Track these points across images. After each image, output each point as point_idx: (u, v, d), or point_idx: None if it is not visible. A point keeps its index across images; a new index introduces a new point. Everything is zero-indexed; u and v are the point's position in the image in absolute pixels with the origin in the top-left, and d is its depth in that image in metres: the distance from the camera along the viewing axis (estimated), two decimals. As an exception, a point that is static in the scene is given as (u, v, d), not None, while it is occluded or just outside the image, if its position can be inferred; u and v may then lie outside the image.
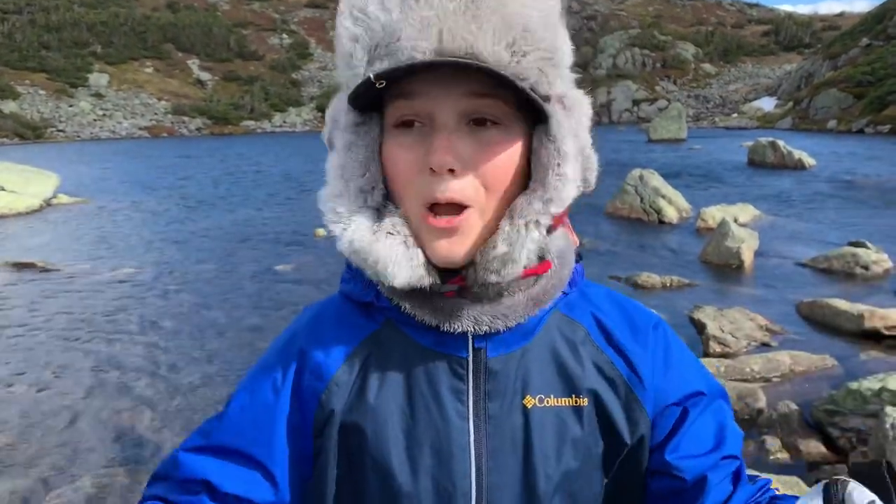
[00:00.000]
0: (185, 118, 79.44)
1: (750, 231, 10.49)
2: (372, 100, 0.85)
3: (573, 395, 0.91)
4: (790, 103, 57.59)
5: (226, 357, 6.65)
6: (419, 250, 0.85)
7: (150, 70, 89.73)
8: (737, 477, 0.94)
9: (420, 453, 0.89)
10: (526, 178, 0.87)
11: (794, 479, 3.65)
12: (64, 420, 5.31)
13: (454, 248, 0.84)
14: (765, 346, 6.49)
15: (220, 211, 16.75)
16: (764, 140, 24.77)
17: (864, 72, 50.36)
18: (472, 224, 0.84)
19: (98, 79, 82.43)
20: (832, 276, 9.22)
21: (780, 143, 23.75)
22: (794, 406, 4.84)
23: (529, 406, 0.90)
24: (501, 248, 0.83)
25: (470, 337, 0.90)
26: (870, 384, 4.69)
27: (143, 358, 6.65)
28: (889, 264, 9.34)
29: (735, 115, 67.20)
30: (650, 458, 0.95)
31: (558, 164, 0.84)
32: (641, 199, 13.77)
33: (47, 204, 17.80)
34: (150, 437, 5.04)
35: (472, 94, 0.81)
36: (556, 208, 0.85)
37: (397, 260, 0.84)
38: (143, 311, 8.28)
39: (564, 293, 0.96)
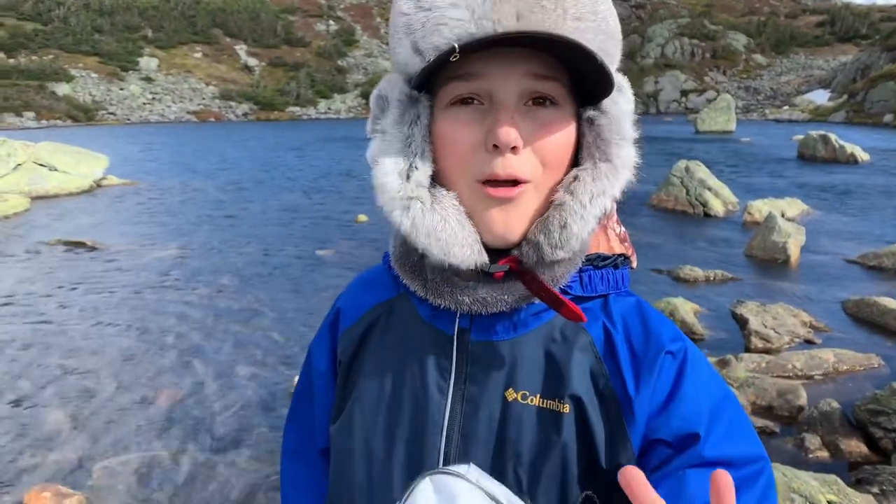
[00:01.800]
0: (232, 103, 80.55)
1: (797, 226, 10.26)
2: (426, 80, 0.85)
3: (556, 399, 0.87)
4: (844, 96, 56.00)
5: (266, 339, 6.76)
6: (475, 230, 0.86)
7: (198, 55, 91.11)
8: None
9: (399, 419, 0.92)
10: (575, 159, 0.88)
11: (833, 477, 3.58)
12: (108, 397, 5.47)
13: (510, 222, 0.85)
14: (808, 344, 6.36)
15: (264, 195, 16.98)
16: (815, 133, 24.16)
17: (924, 64, 48.64)
18: (528, 199, 0.85)
19: (148, 63, 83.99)
20: (881, 274, 8.98)
21: (833, 136, 23.15)
22: (836, 405, 4.74)
23: (510, 399, 0.89)
24: (571, 224, 0.84)
25: (458, 316, 0.92)
26: (916, 385, 4.57)
27: (186, 337, 6.79)
28: (942, 263, 9.05)
29: (786, 107, 65.64)
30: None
31: (618, 144, 0.87)
32: (687, 192, 13.56)
33: (97, 185, 18.24)
34: (191, 415, 5.15)
35: (532, 76, 0.82)
36: (618, 190, 0.86)
37: (458, 240, 0.84)
38: (188, 291, 8.45)
39: (576, 295, 0.93)
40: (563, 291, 0.92)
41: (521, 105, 0.83)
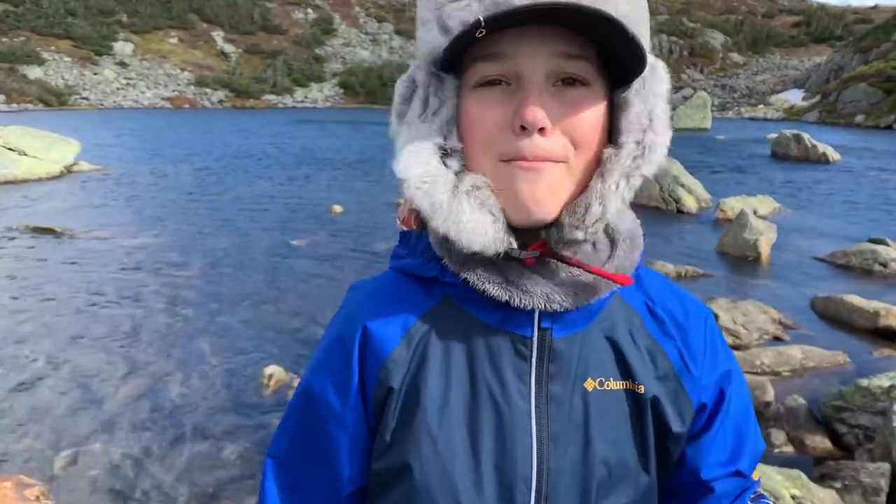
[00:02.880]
0: (208, 90, 79.70)
1: (769, 223, 10.37)
2: (453, 60, 0.83)
3: (629, 381, 0.91)
4: (818, 96, 56.75)
5: (239, 328, 6.69)
6: (501, 214, 0.83)
7: (174, 40, 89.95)
8: (739, 497, 0.97)
9: (481, 435, 0.87)
10: (608, 140, 0.86)
11: (797, 472, 3.63)
12: (73, 386, 5.38)
13: (537, 195, 0.81)
14: (777, 340, 6.44)
15: (238, 184, 16.82)
16: (788, 132, 24.47)
17: (896, 67, 49.45)
18: (559, 176, 0.82)
19: (123, 47, 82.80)
20: (850, 273, 9.11)
21: (805, 136, 23.46)
22: (802, 401, 4.81)
23: (590, 389, 0.89)
24: (595, 206, 0.82)
25: (536, 315, 0.88)
26: (880, 382, 4.64)
27: (156, 327, 6.71)
28: (909, 262, 9.20)
29: (761, 106, 66.40)
30: (685, 452, 0.97)
31: (649, 123, 0.85)
32: (660, 188, 13.66)
33: (68, 170, 17.94)
34: (158, 405, 5.08)
35: (561, 55, 0.80)
36: (648, 169, 0.84)
37: (478, 224, 0.82)
38: (159, 280, 8.35)
39: None
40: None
41: (549, 85, 0.81)
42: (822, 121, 50.02)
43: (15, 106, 59.14)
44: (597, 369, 0.90)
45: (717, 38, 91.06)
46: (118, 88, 74.73)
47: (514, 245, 0.84)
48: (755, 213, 11.28)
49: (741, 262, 9.52)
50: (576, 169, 0.83)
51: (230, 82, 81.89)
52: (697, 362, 0.95)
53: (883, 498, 3.68)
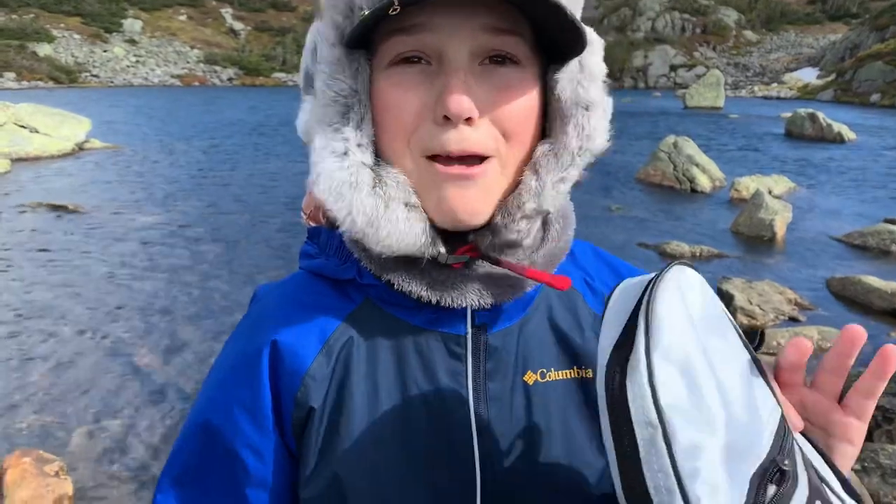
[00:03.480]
0: (217, 67, 79.57)
1: (784, 203, 10.28)
2: (363, 34, 0.71)
3: (575, 367, 0.84)
4: (833, 75, 56.13)
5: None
6: (424, 213, 0.74)
7: (183, 17, 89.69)
8: None
9: (418, 447, 0.77)
10: (542, 126, 0.78)
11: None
12: (89, 363, 5.41)
13: (469, 202, 0.72)
14: (793, 321, 6.40)
15: (249, 161, 16.80)
16: (803, 111, 24.22)
17: (913, 45, 48.79)
18: (491, 177, 0.73)
19: (132, 25, 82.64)
20: (866, 253, 9.03)
21: (820, 114, 23.21)
22: (820, 382, 4.78)
23: (531, 382, 0.81)
24: (530, 204, 0.74)
25: (469, 311, 0.79)
26: (900, 363, 4.60)
27: (169, 303, 6.73)
28: (926, 243, 9.12)
29: (775, 84, 65.76)
30: None
31: (587, 110, 0.76)
32: (674, 167, 13.55)
33: (79, 148, 17.97)
34: (172, 381, 5.11)
35: (489, 29, 0.70)
36: (586, 160, 0.77)
37: (400, 231, 0.72)
38: (172, 257, 8.36)
39: None
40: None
41: (475, 65, 0.71)
42: (837, 99, 49.50)
43: (25, 83, 59.20)
44: (538, 360, 0.82)
45: (730, 16, 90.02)
46: (128, 66, 74.70)
47: (442, 250, 0.75)
48: (770, 192, 11.17)
49: (756, 242, 9.45)
50: (507, 162, 0.75)
51: (240, 60, 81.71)
52: None
53: (903, 480, 3.66)
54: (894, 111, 39.66)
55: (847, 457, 0.72)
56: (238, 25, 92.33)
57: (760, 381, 0.66)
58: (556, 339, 0.85)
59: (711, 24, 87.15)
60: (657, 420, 0.55)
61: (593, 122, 0.76)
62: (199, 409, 0.83)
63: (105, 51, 75.59)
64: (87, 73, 69.33)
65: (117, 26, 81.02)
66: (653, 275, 0.64)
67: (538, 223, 0.79)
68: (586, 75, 0.76)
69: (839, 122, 23.00)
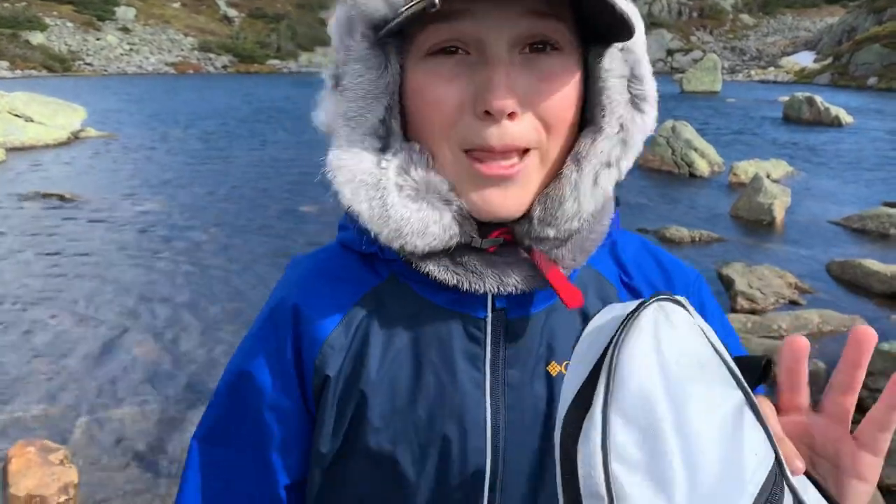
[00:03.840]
0: (212, 55, 79.11)
1: (783, 187, 10.27)
2: (400, 26, 0.69)
3: None
4: (830, 58, 56.00)
5: (250, 294, 6.69)
6: (455, 205, 0.73)
7: (176, 5, 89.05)
8: None
9: (428, 427, 0.77)
10: (581, 117, 0.75)
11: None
12: (90, 351, 5.40)
13: (509, 201, 0.72)
14: (793, 304, 6.41)
15: (245, 149, 16.72)
16: (800, 95, 24.15)
17: (910, 27, 48.66)
18: (531, 171, 0.72)
19: (125, 12, 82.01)
20: (865, 236, 9.04)
21: (818, 98, 23.15)
22: (821, 364, 4.79)
23: (554, 373, 0.78)
24: (569, 202, 0.73)
25: (490, 296, 0.78)
26: (901, 345, 4.61)
27: (168, 291, 6.71)
28: (925, 226, 9.13)
29: (772, 68, 65.58)
30: None
31: (632, 97, 0.73)
32: (673, 151, 13.52)
33: (74, 137, 17.85)
34: (174, 370, 5.10)
35: (532, 14, 0.67)
36: (630, 157, 0.74)
37: (423, 226, 0.71)
38: (169, 245, 8.34)
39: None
40: None
41: (515, 54, 0.69)
42: (834, 83, 49.34)
43: (19, 72, 58.74)
44: (563, 351, 0.79)
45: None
46: (122, 54, 74.17)
47: (475, 235, 0.75)
48: (768, 176, 11.16)
49: (756, 226, 9.46)
50: (548, 153, 0.73)
51: (234, 47, 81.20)
52: None
53: (905, 462, 3.67)
54: (891, 94, 39.60)
55: (860, 497, 0.63)
56: (232, 12, 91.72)
57: (753, 421, 0.58)
58: None
59: (708, 7, 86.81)
60: (605, 492, 0.51)
61: (637, 112, 0.74)
62: (229, 370, 0.87)
63: (98, 39, 75.01)
64: (81, 62, 68.83)
65: (110, 14, 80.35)
66: (632, 307, 0.59)
67: (577, 223, 0.75)
68: (631, 59, 0.74)
69: (836, 106, 22.95)
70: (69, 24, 75.21)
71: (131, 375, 4.99)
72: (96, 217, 9.73)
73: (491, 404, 0.77)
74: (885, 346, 4.69)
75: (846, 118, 22.31)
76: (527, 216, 0.74)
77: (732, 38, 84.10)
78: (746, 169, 12.30)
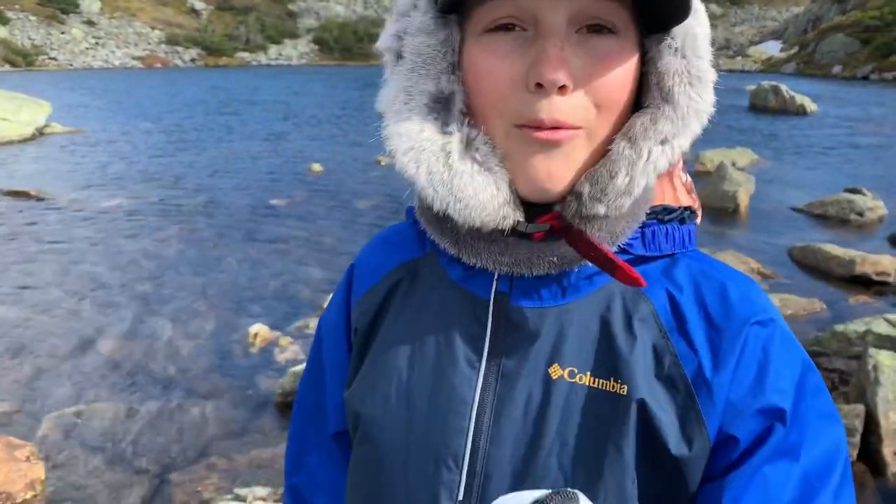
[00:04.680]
0: (179, 48, 78.08)
1: (747, 175, 10.45)
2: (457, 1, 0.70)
3: (612, 379, 0.73)
4: (795, 47, 56.75)
5: (221, 289, 6.68)
6: (506, 182, 0.72)
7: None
8: None
9: (419, 396, 0.79)
10: (636, 99, 0.74)
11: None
12: (59, 348, 5.36)
13: (554, 170, 0.70)
14: (755, 289, 6.54)
15: (214, 143, 16.60)
16: (766, 84, 24.51)
17: (873, 16, 49.46)
18: (578, 147, 0.70)
19: (90, 5, 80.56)
20: (827, 222, 9.24)
21: (783, 87, 23.50)
22: (780, 347, 4.91)
23: (555, 377, 0.74)
24: (621, 177, 0.70)
25: (495, 277, 0.78)
26: (855, 327, 4.75)
27: (137, 287, 6.68)
28: (884, 211, 9.36)
29: (740, 58, 66.29)
30: (701, 489, 0.73)
31: (690, 83, 0.72)
32: (640, 141, 13.66)
33: (40, 133, 17.58)
34: (144, 365, 5.09)
35: None
36: (688, 139, 0.72)
37: (481, 197, 0.70)
38: (138, 242, 8.28)
39: (637, 255, 0.78)
40: (622, 251, 0.77)
41: (572, 33, 0.68)
42: (800, 72, 50.09)
43: (-20, 67, 57.58)
44: (572, 356, 0.75)
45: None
46: (87, 48, 72.94)
47: (521, 218, 0.73)
48: (734, 164, 11.34)
49: (720, 214, 9.61)
50: (597, 135, 0.71)
51: (202, 40, 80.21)
52: (723, 376, 0.72)
53: (857, 438, 3.80)
54: (855, 82, 40.28)
55: None
56: (199, 5, 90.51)
57: None
58: (601, 342, 0.75)
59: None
60: None
61: (697, 98, 0.72)
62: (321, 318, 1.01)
63: (63, 32, 73.66)
64: (45, 56, 67.61)
65: (74, 7, 78.91)
66: (536, 497, 0.59)
67: (629, 201, 0.72)
68: (690, 44, 0.72)
69: (802, 94, 23.33)
70: (32, 18, 73.72)
71: (100, 372, 4.97)
72: (64, 214, 9.62)
73: (481, 386, 0.76)
74: (840, 327, 4.83)
75: (811, 106, 22.69)
76: (573, 194, 0.72)
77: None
78: (712, 158, 12.46)
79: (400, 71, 0.75)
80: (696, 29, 0.72)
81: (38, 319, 5.89)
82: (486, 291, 0.78)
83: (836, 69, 46.85)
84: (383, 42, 0.78)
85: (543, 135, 0.68)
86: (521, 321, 0.76)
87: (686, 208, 0.83)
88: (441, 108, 0.72)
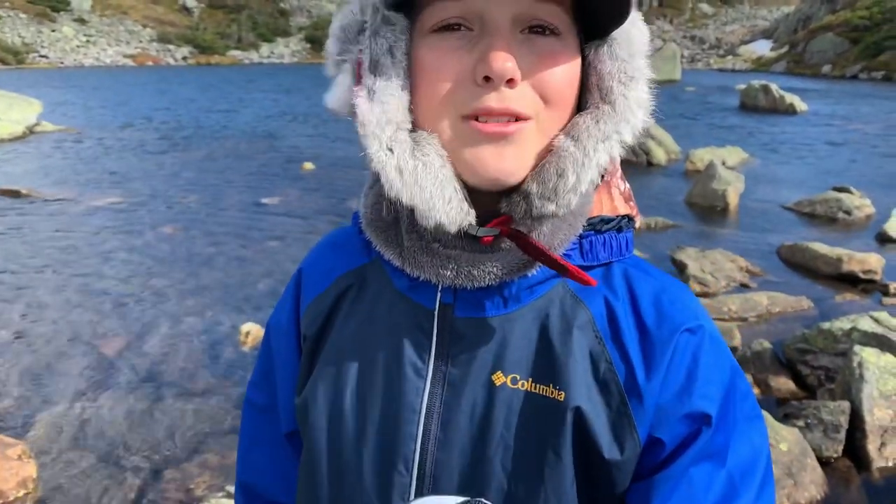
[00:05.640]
0: (171, 46, 77.78)
1: (737, 174, 10.52)
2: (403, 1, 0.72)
3: (550, 385, 0.76)
4: (786, 47, 56.99)
5: (213, 287, 6.69)
6: (456, 177, 0.73)
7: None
8: None
9: (368, 403, 0.81)
10: (579, 99, 0.76)
11: (763, 412, 3.77)
12: (50, 346, 5.37)
13: (506, 162, 0.71)
14: (744, 287, 6.60)
15: (206, 141, 16.56)
16: (756, 83, 24.62)
17: (862, 16, 49.76)
18: (528, 139, 0.72)
19: (81, 3, 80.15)
20: (815, 221, 9.31)
21: (773, 86, 23.62)
22: (767, 344, 4.96)
23: (498, 383, 0.77)
24: (570, 173, 0.71)
25: (439, 289, 0.80)
26: (841, 324, 4.81)
27: (129, 286, 6.68)
28: (871, 210, 9.44)
29: (730, 57, 66.53)
30: (630, 487, 0.77)
31: (628, 83, 0.74)
32: (630, 140, 13.70)
33: (30, 131, 17.50)
34: (135, 364, 5.10)
35: None
36: (628, 135, 0.74)
37: (444, 193, 0.71)
38: (130, 240, 8.27)
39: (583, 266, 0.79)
40: None
41: (516, 33, 0.70)
42: (790, 71, 50.34)
43: (-30, 65, 57.24)
44: (514, 363, 0.77)
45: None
46: (78, 46, 72.56)
47: (473, 221, 0.73)
48: (724, 163, 11.40)
49: (710, 213, 9.68)
50: (545, 127, 0.73)
51: (194, 38, 79.94)
52: (654, 382, 0.75)
53: (843, 434, 3.85)
54: (844, 82, 40.50)
55: None
56: (191, 3, 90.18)
57: None
58: (540, 349, 0.78)
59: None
60: None
61: (634, 96, 0.75)
62: (267, 324, 1.03)
63: (53, 30, 73.26)
64: (36, 54, 67.20)
65: (65, 4, 78.49)
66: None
67: (576, 199, 0.73)
68: (627, 46, 0.75)
69: (792, 94, 23.48)
70: (22, 16, 73.27)
71: (93, 371, 4.98)
72: (55, 212, 9.60)
73: (428, 394, 0.78)
74: (826, 325, 4.88)
75: (801, 105, 22.82)
76: (520, 193, 0.73)
77: (692, 28, 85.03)
78: (703, 157, 12.54)
79: (352, 69, 0.77)
80: (632, 31, 0.76)
81: (29, 318, 5.89)
82: (431, 302, 0.80)
83: (826, 68, 47.11)
84: (333, 46, 0.80)
85: (492, 128, 0.70)
86: (464, 331, 0.78)
87: (623, 216, 0.85)
88: (396, 106, 0.73)
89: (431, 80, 0.72)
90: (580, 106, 0.76)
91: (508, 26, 0.70)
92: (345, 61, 0.78)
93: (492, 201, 0.75)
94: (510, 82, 0.68)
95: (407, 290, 0.82)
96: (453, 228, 0.72)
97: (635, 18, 0.76)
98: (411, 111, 0.74)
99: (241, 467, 1.04)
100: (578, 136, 0.72)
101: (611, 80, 0.74)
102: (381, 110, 0.72)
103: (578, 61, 0.74)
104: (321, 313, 0.89)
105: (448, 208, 0.71)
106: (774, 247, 7.86)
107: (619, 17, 0.71)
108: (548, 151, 0.73)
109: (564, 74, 0.72)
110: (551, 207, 0.71)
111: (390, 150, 0.72)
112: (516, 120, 0.70)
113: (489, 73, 0.68)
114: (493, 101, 0.69)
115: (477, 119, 0.70)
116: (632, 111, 0.74)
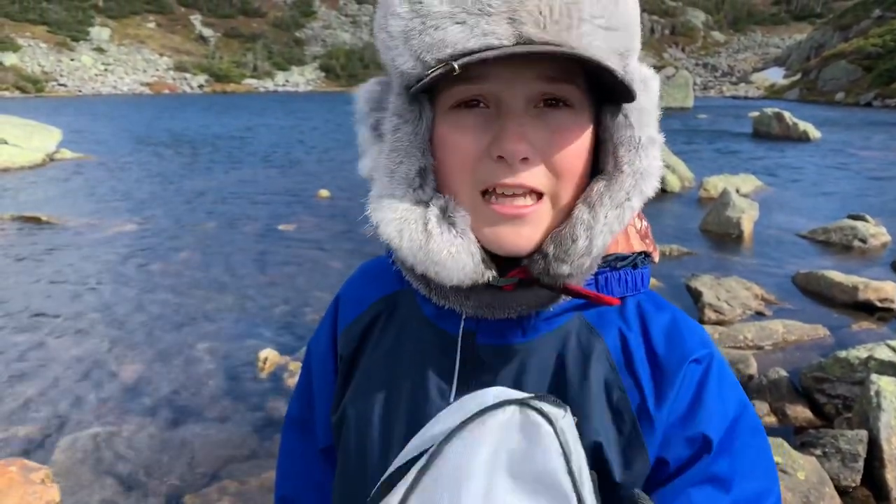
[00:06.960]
0: (187, 75, 78.92)
1: (751, 202, 10.53)
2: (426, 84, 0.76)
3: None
4: (798, 74, 57.07)
5: (231, 314, 6.76)
6: (477, 245, 0.78)
7: (151, 25, 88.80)
8: None
9: (395, 424, 0.86)
10: (593, 165, 0.81)
11: (780, 440, 3.77)
12: (72, 372, 5.43)
13: (521, 239, 0.77)
14: (759, 315, 6.59)
15: (223, 169, 16.76)
16: (769, 111, 24.67)
17: (875, 44, 49.85)
18: (543, 213, 0.77)
19: (99, 33, 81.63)
20: (830, 249, 9.29)
21: (787, 114, 23.67)
22: (783, 373, 4.96)
23: None
24: (582, 240, 0.76)
25: (462, 316, 0.85)
26: (858, 353, 4.80)
27: (149, 313, 6.75)
28: (887, 238, 9.41)
29: (743, 84, 66.68)
30: None
31: (639, 150, 0.79)
32: (644, 168, 13.75)
33: (50, 159, 17.78)
34: (156, 389, 5.15)
35: (544, 78, 0.74)
36: (640, 200, 0.79)
37: (456, 258, 0.77)
38: (148, 267, 8.37)
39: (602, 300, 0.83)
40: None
41: (530, 108, 0.75)
42: (803, 98, 50.41)
43: (-9, 94, 58.25)
44: (532, 389, 0.81)
45: (698, 17, 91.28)
46: (96, 74, 73.81)
47: (494, 274, 0.80)
48: (738, 191, 11.42)
49: (724, 240, 9.68)
50: (558, 200, 0.78)
51: (210, 67, 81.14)
52: (663, 409, 0.80)
53: (860, 463, 3.83)
54: (858, 109, 40.47)
55: None
56: (207, 32, 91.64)
57: None
58: (556, 378, 0.83)
59: (680, 24, 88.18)
60: None
61: (646, 162, 0.79)
62: (307, 348, 1.10)
63: (72, 59, 74.59)
64: (55, 83, 68.40)
65: (84, 34, 79.98)
66: (483, 407, 0.66)
67: (589, 260, 0.79)
68: (640, 115, 0.80)
69: (805, 121, 23.50)
70: (42, 45, 74.67)
71: (113, 396, 5.04)
72: (75, 239, 9.74)
73: None
74: (843, 353, 4.87)
75: (814, 133, 22.84)
76: (540, 253, 0.78)
77: (704, 55, 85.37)
78: (716, 184, 12.57)
79: (381, 149, 0.81)
80: (645, 103, 0.80)
81: (52, 343, 5.97)
82: (456, 328, 0.86)
83: (839, 96, 47.11)
84: (361, 119, 0.85)
85: (509, 210, 0.76)
86: (486, 357, 0.84)
87: (640, 253, 0.90)
88: (420, 181, 0.79)
89: (452, 156, 0.78)
90: (598, 165, 0.81)
91: (522, 105, 0.75)
92: (376, 138, 0.83)
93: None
94: (524, 161, 0.74)
95: (434, 317, 0.88)
96: (467, 283, 0.78)
97: (648, 83, 0.81)
98: (435, 180, 0.80)
99: (279, 481, 1.12)
100: (592, 203, 0.77)
101: (623, 150, 0.79)
102: (401, 188, 0.79)
103: (590, 131, 0.79)
104: (355, 337, 0.97)
105: (460, 274, 0.77)
106: (790, 275, 7.85)
107: (628, 97, 0.76)
108: (563, 216, 0.79)
109: (575, 149, 0.77)
110: (566, 269, 0.77)
111: (402, 228, 0.78)
112: (533, 197, 0.76)
113: (503, 154, 0.73)
114: (507, 177, 0.74)
115: (495, 191, 0.76)
116: (644, 179, 0.79)
